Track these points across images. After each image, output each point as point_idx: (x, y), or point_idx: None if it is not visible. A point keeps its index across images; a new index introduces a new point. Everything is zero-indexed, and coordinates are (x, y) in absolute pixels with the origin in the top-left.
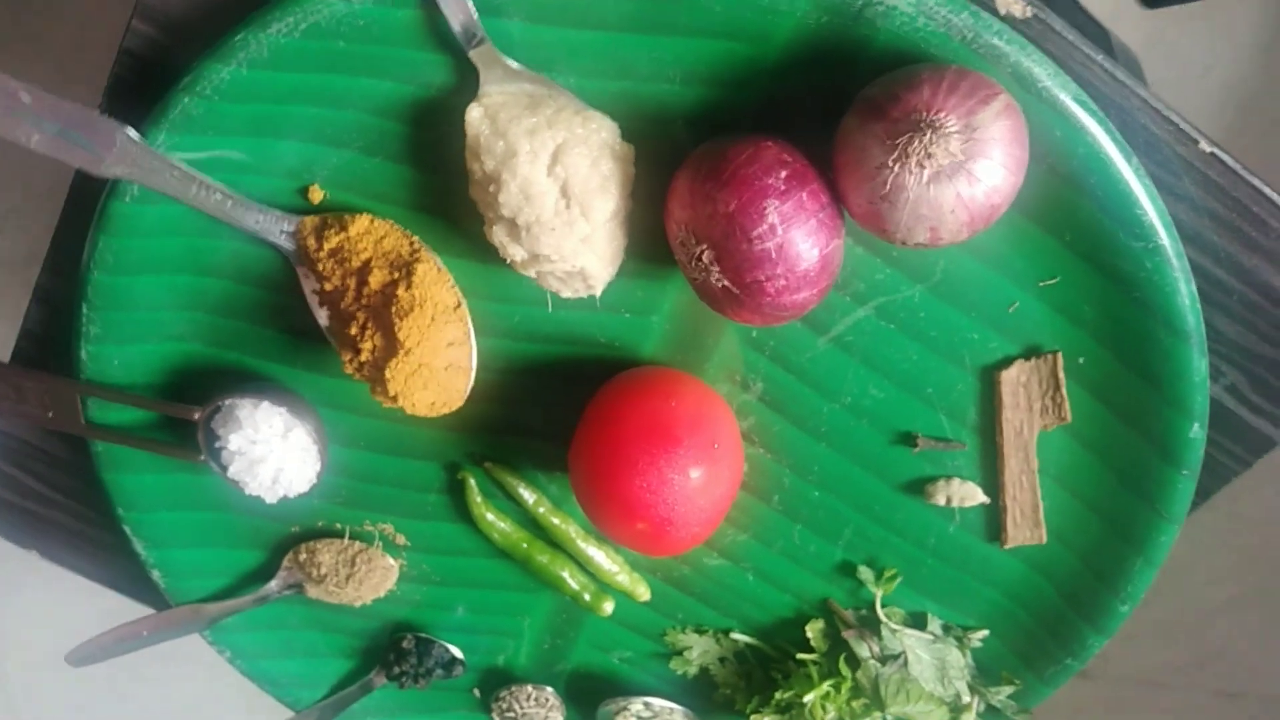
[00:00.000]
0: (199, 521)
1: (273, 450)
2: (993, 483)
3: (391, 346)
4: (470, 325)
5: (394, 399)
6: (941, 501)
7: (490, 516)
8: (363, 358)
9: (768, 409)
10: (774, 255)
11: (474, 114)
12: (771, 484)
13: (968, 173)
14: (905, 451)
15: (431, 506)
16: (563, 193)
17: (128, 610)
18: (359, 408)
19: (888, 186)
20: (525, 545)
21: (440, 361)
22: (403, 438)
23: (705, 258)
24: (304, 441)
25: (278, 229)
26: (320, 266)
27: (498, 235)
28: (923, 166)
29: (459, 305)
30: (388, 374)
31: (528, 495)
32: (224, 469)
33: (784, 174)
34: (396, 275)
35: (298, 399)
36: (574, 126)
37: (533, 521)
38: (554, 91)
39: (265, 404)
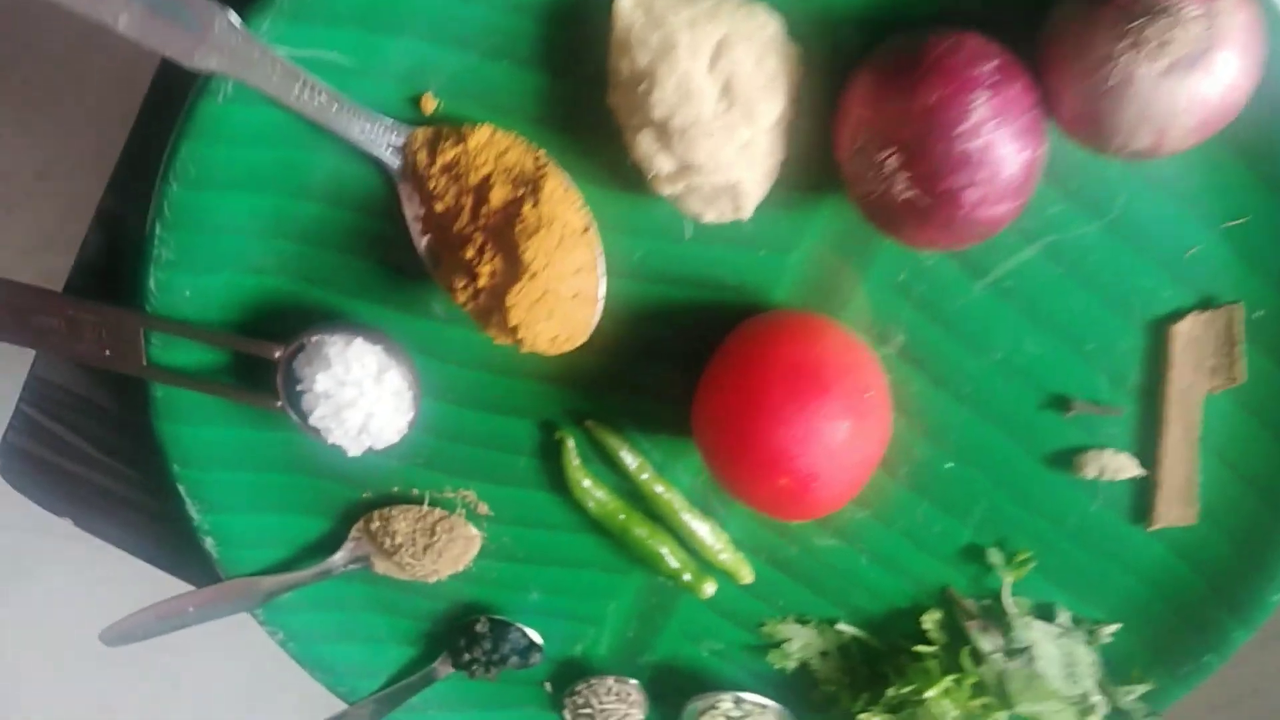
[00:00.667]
0: (263, 483)
1: (364, 393)
2: (1147, 455)
3: (513, 271)
4: (599, 250)
5: (514, 331)
6: (1092, 474)
7: (587, 483)
8: (480, 283)
9: (906, 365)
10: (977, 158)
11: (626, 2)
12: (900, 453)
13: (1206, 65)
14: (1055, 417)
15: (522, 471)
16: (724, 92)
17: (165, 594)
18: (452, 355)
19: (1113, 80)
20: (623, 516)
21: (567, 289)
22: (498, 390)
23: (891, 163)
24: (398, 385)
25: (385, 140)
26: (432, 184)
27: (643, 144)
28: (1157, 57)
29: (587, 228)
30: (509, 300)
31: (630, 460)
32: (304, 417)
33: (992, 65)
34: (521, 192)
35: (390, 340)
36: (738, 20)
37: (630, 492)
38: None
39: (359, 340)
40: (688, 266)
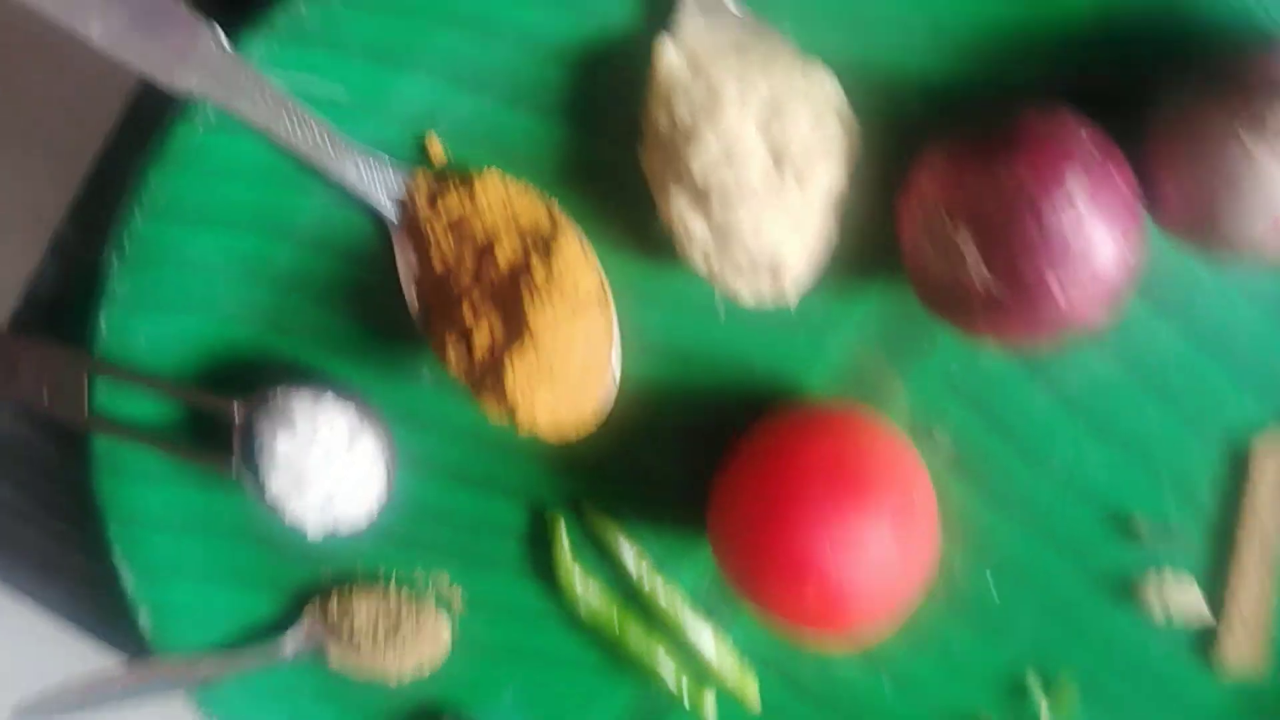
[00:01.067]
0: (209, 551)
1: (332, 460)
2: (1215, 587)
3: (515, 334)
4: (615, 321)
5: (509, 404)
6: (1151, 604)
7: (579, 576)
8: (476, 345)
9: (952, 471)
10: (1071, 242)
11: (668, 49)
12: (939, 571)
13: None
14: (1114, 537)
15: (505, 556)
16: (775, 156)
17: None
18: (436, 424)
19: (1229, 166)
20: (616, 614)
21: (574, 362)
22: (485, 466)
23: (966, 243)
24: (371, 453)
25: (382, 183)
26: (430, 236)
27: (677, 206)
28: None
29: (603, 294)
30: (507, 364)
31: (630, 556)
32: (260, 486)
33: (1088, 142)
34: (530, 248)
35: (364, 402)
36: (794, 76)
37: (626, 588)
38: (766, 34)
39: (328, 395)
40: (713, 345)
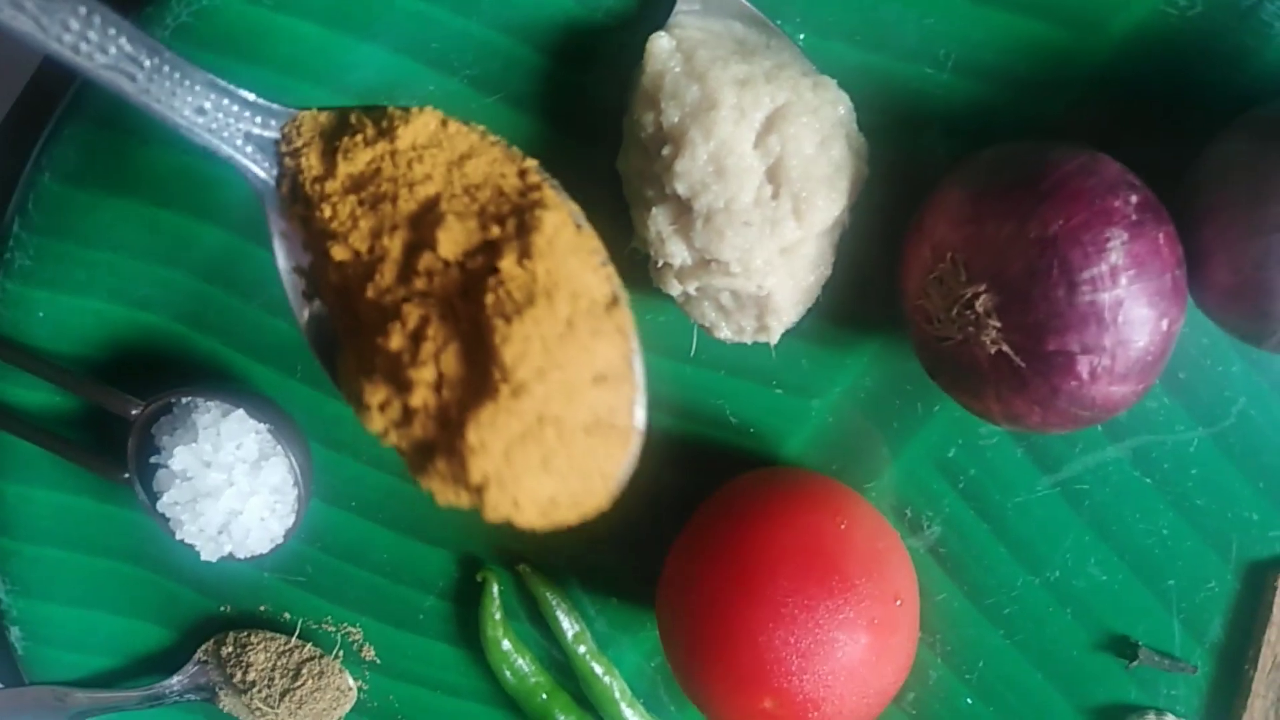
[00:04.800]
0: (94, 570)
1: (234, 482)
2: None
3: (481, 378)
4: (636, 342)
5: (479, 489)
6: None
7: (506, 645)
8: (415, 400)
9: (937, 565)
10: (1106, 315)
11: (662, 44)
12: (912, 675)
13: None
14: (1113, 663)
15: (427, 614)
16: (771, 175)
17: None
18: (363, 450)
19: None
20: (544, 696)
21: (580, 413)
22: (414, 505)
23: (981, 304)
24: (281, 478)
25: (240, 128)
26: (326, 211)
27: (654, 224)
28: None
29: (615, 301)
30: (471, 436)
31: (567, 626)
32: (153, 497)
33: (1135, 199)
34: (496, 232)
35: (285, 419)
36: (801, 89)
37: (559, 664)
38: (775, 41)
39: (239, 413)
40: (683, 390)
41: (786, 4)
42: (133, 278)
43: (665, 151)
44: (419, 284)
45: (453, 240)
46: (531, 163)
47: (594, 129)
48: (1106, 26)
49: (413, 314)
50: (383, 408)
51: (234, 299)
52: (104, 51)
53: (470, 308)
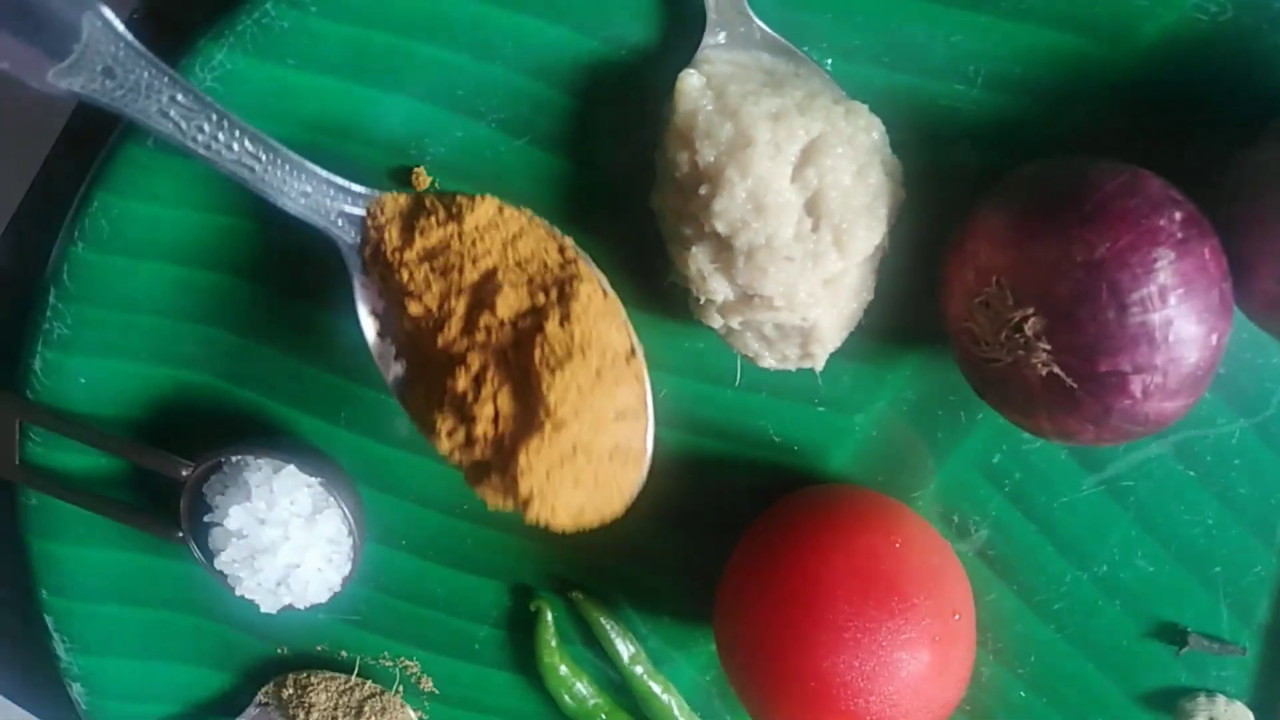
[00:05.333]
0: (151, 623)
1: (289, 538)
2: (1268, 707)
3: (529, 415)
4: (648, 385)
5: (525, 501)
6: None
7: (564, 670)
8: (477, 431)
9: (986, 567)
10: (1156, 336)
11: (692, 82)
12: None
13: None
14: (1163, 650)
15: (483, 644)
16: (810, 208)
17: None
18: (412, 490)
19: None
20: (604, 717)
21: (604, 442)
22: (465, 540)
23: (1030, 328)
24: (335, 530)
25: (335, 206)
26: (404, 275)
27: (695, 262)
28: None
29: (633, 353)
30: (522, 462)
31: (623, 648)
32: (210, 556)
33: (1179, 217)
34: (541, 300)
35: (333, 467)
36: (834, 118)
37: (617, 684)
38: (803, 70)
39: (290, 468)
40: (726, 414)
41: (813, 31)
42: (171, 338)
43: (702, 190)
44: (479, 337)
45: (507, 305)
46: (568, 240)
47: (624, 166)
48: (1135, 35)
49: (475, 361)
50: (450, 434)
51: (271, 352)
52: (230, 149)
53: (521, 358)
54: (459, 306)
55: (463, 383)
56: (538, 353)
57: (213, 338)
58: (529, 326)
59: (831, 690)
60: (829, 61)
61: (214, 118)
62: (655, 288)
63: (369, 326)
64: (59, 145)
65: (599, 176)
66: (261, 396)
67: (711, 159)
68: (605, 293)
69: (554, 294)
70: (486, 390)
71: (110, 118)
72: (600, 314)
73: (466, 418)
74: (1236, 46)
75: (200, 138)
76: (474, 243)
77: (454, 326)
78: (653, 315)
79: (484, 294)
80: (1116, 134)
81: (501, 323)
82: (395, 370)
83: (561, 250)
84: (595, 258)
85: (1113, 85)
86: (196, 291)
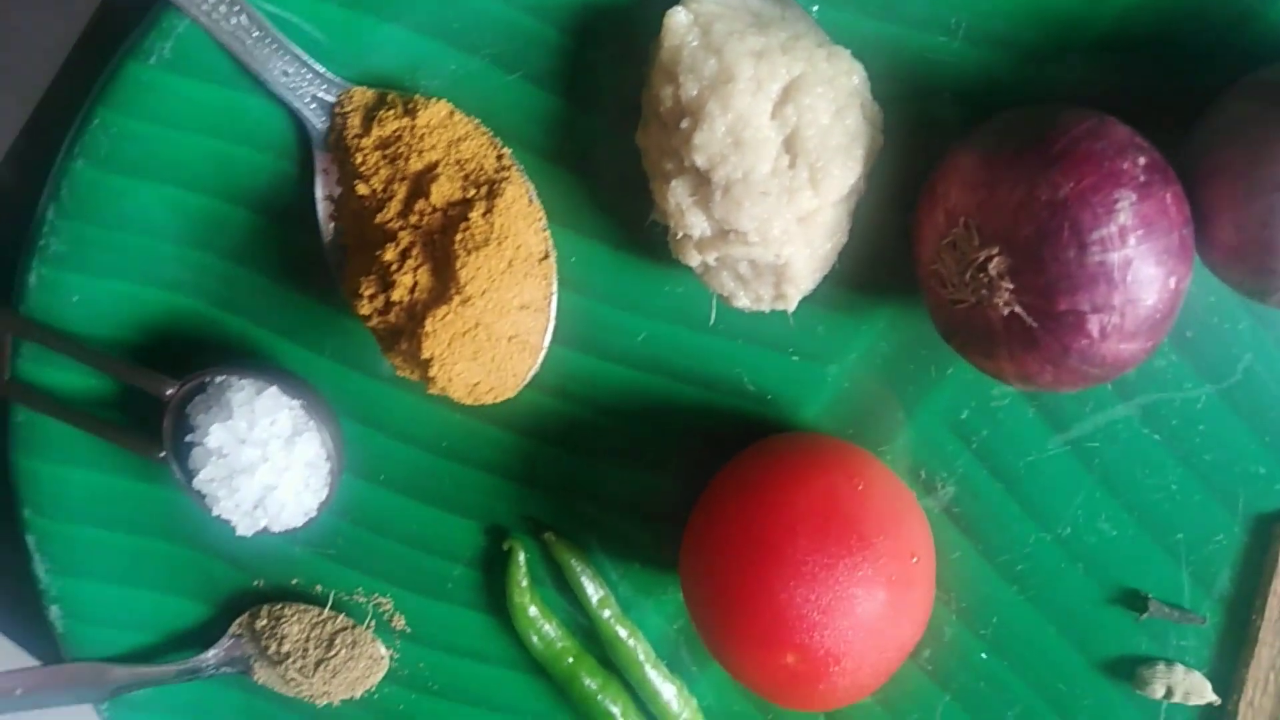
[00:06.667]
0: (131, 549)
1: (268, 458)
2: (1225, 679)
3: (442, 288)
4: (555, 288)
5: (426, 364)
6: (1157, 693)
7: (533, 611)
8: (395, 295)
9: (950, 525)
10: (1115, 275)
11: (679, 18)
12: (927, 632)
13: None
14: (1124, 616)
15: (455, 583)
16: (787, 146)
17: (2, 660)
18: (392, 425)
19: None
20: (571, 660)
21: (505, 326)
22: (442, 477)
23: (994, 267)
24: (314, 453)
25: (310, 90)
26: (359, 159)
27: (674, 196)
28: None
29: (546, 256)
30: (428, 326)
31: (592, 590)
32: (189, 475)
33: (1143, 161)
34: (472, 194)
35: (315, 396)
36: (816, 60)
37: (585, 629)
38: (789, 13)
39: (273, 390)
40: (702, 360)
41: None
42: (164, 261)
43: (684, 125)
44: (413, 219)
45: (441, 193)
46: (507, 150)
47: (613, 104)
48: None
49: (405, 238)
50: (371, 298)
51: (262, 280)
52: (228, 21)
53: (445, 241)
54: (400, 191)
55: (390, 254)
56: (459, 236)
57: (205, 263)
58: (457, 215)
59: (788, 623)
60: (815, 8)
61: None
62: (637, 229)
63: (323, 209)
64: (65, 66)
65: (588, 115)
66: (249, 324)
67: (694, 93)
68: (530, 200)
69: (484, 191)
70: (410, 264)
71: (115, 38)
72: (521, 215)
73: (387, 285)
74: (1207, 5)
75: (204, 7)
76: (423, 137)
77: (393, 208)
78: (633, 257)
79: (423, 182)
80: (1092, 88)
81: (434, 209)
82: (333, 244)
83: (500, 158)
84: (580, 196)
85: (1088, 41)
86: (191, 215)
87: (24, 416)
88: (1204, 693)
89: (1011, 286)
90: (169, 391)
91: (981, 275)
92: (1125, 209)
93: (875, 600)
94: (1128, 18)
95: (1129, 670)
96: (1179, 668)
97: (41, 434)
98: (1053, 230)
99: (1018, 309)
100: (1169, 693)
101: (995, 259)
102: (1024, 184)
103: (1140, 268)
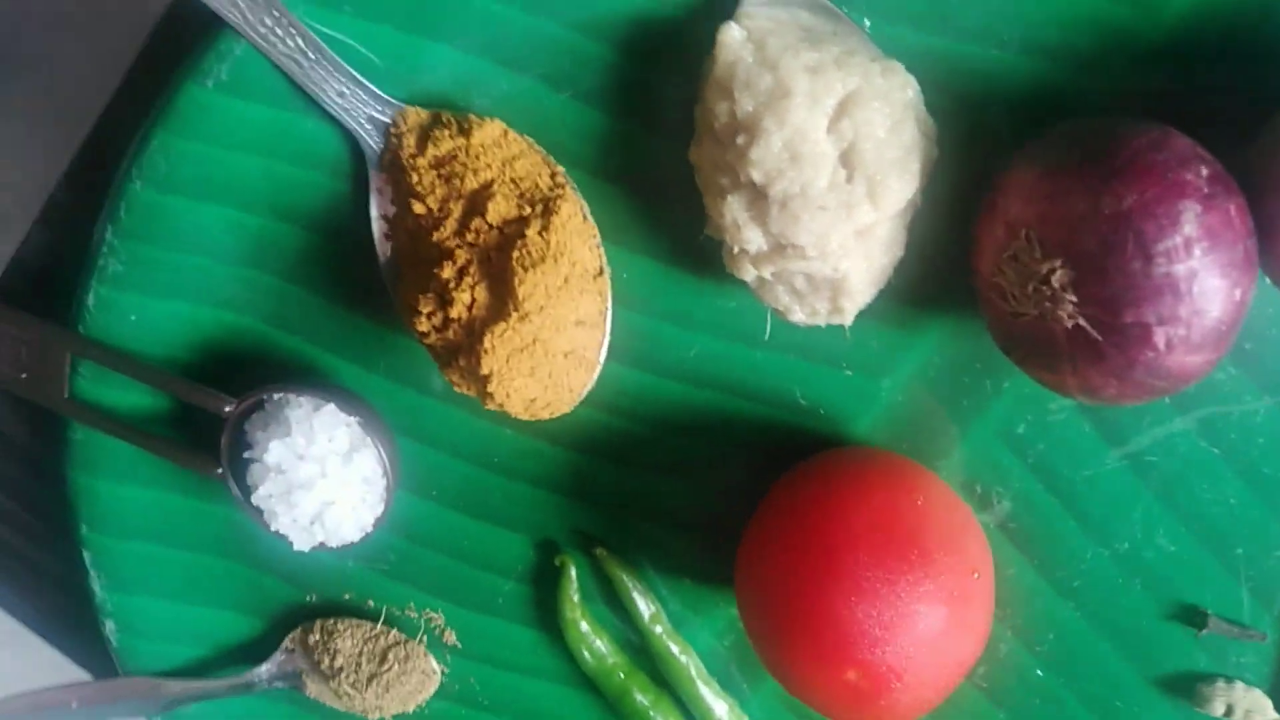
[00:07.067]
0: (186, 564)
1: (326, 474)
2: None
3: (500, 305)
4: (610, 303)
5: (484, 380)
6: (1218, 711)
7: (585, 627)
8: (453, 312)
9: (1008, 541)
10: (1181, 287)
11: (733, 34)
12: (983, 650)
13: None
14: (1182, 632)
15: (506, 598)
16: (844, 160)
17: (52, 680)
18: (445, 442)
19: None
20: (622, 675)
21: (562, 342)
22: (494, 493)
23: (1057, 279)
24: (370, 469)
25: (364, 110)
26: (414, 179)
27: (730, 211)
28: None
29: (601, 272)
30: (487, 342)
31: (644, 606)
32: (246, 491)
33: (1206, 173)
34: (527, 212)
35: (371, 412)
36: (871, 75)
37: (636, 645)
38: (841, 28)
39: (330, 407)
40: (754, 375)
41: None
42: (220, 280)
43: (740, 140)
44: (469, 237)
45: (498, 212)
46: (561, 169)
47: (665, 120)
48: (1167, 2)
49: (461, 256)
50: (429, 315)
51: (317, 298)
52: (284, 43)
53: (501, 260)
54: (456, 210)
55: (448, 272)
56: (516, 253)
57: (260, 282)
58: (513, 233)
59: (848, 639)
60: (866, 22)
61: (274, 14)
62: (689, 244)
63: (378, 228)
64: (123, 88)
65: (640, 132)
66: (304, 341)
67: (750, 109)
68: (585, 217)
69: (539, 208)
70: (467, 281)
71: (170, 62)
72: (576, 232)
73: (445, 302)
74: (1266, 11)
75: (261, 30)
76: (478, 156)
77: (449, 226)
78: (686, 272)
79: (479, 201)
80: (1149, 98)
81: (490, 227)
82: (389, 262)
83: (553, 176)
84: (635, 211)
85: (1146, 51)
86: (247, 235)
87: (82, 434)
88: (1265, 710)
89: (1075, 299)
90: (227, 409)
91: (1044, 288)
92: (1190, 220)
93: (936, 616)
94: (1183, 27)
95: (1188, 687)
96: (1239, 685)
97: (99, 451)
98: (1117, 242)
99: (1082, 321)
100: (1229, 710)
101: (1059, 271)
102: (1087, 196)
103: (1206, 279)
